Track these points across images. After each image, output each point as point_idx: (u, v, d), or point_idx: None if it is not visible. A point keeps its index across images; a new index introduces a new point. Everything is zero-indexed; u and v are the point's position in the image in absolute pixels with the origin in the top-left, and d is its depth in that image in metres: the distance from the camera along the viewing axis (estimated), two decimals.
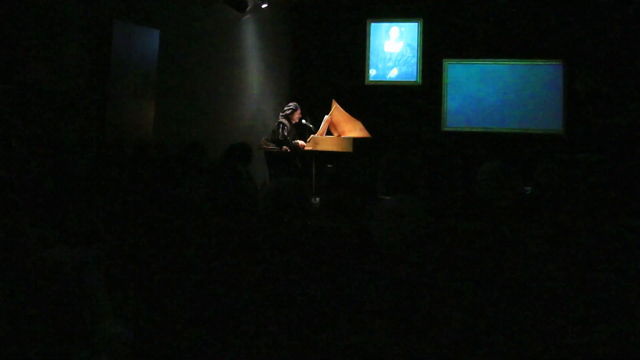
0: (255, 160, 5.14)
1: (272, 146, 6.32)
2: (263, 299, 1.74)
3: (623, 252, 1.94)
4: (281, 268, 1.83)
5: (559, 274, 1.84)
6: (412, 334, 1.63)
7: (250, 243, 2.00)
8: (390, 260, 1.84)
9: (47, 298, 1.24)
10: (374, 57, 8.20)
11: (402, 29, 8.15)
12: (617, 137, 6.92)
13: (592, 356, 1.61)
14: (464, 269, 1.85)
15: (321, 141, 6.40)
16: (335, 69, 8.17)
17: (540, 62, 7.67)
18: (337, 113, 6.64)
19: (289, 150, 6.26)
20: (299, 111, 6.49)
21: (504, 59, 7.77)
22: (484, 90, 7.84)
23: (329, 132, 6.69)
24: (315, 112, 6.94)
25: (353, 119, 6.58)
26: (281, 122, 6.34)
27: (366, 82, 8.18)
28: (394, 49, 8.16)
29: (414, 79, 8.04)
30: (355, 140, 6.30)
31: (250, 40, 7.06)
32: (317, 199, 4.91)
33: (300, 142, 6.36)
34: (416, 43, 8.06)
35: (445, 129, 7.89)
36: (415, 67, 8.05)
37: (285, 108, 6.52)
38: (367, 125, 6.55)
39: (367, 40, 8.20)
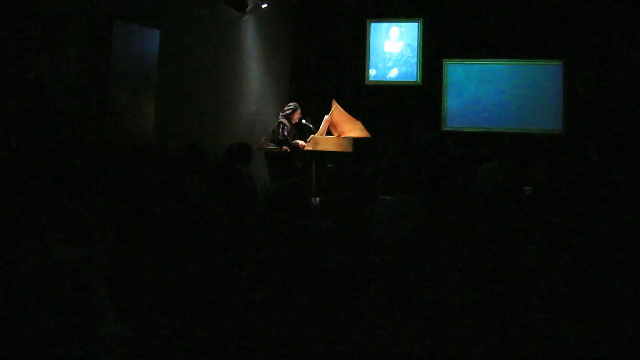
0: (255, 160, 5.14)
1: (272, 146, 6.32)
2: (263, 299, 1.74)
3: (623, 251, 1.93)
4: (281, 268, 1.83)
5: (559, 274, 1.84)
6: (412, 333, 1.63)
7: (250, 243, 2.00)
8: (390, 260, 1.84)
9: (47, 298, 1.24)
10: (374, 57, 8.20)
11: (402, 29, 8.15)
12: (617, 137, 6.92)
13: (592, 356, 1.61)
14: (464, 269, 1.85)
15: (321, 141, 6.40)
16: (335, 69, 8.17)
17: (540, 62, 7.67)
18: (337, 113, 6.64)
19: (289, 150, 6.26)
20: (299, 111, 6.49)
21: (504, 59, 7.77)
22: (484, 90, 7.84)
23: (329, 132, 6.69)
24: (315, 112, 6.94)
25: (353, 119, 6.58)
26: (281, 122, 6.34)
27: (366, 82, 8.18)
28: (394, 49, 8.16)
29: (414, 79, 8.04)
30: (355, 140, 6.30)
31: (250, 40, 7.06)
32: (317, 199, 4.91)
33: (300, 142, 6.36)
34: (416, 43, 8.06)
35: (445, 129, 7.89)
36: (415, 67, 8.05)
37: (285, 108, 6.52)
38: (367, 125, 6.55)
39: (367, 40, 8.20)
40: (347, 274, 1.80)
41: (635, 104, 7.07)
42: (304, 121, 6.53)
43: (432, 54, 7.99)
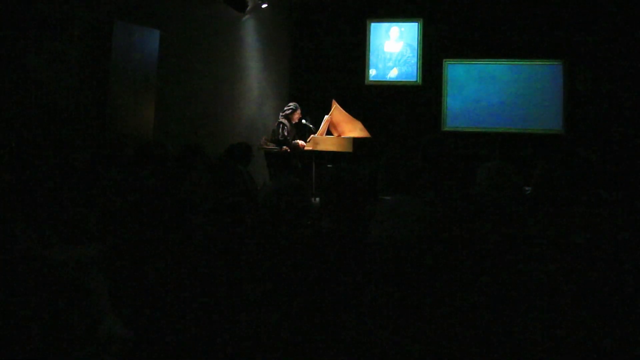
0: (255, 160, 5.14)
1: (272, 146, 6.31)
2: (263, 299, 1.74)
3: (623, 251, 1.93)
4: (281, 268, 1.83)
5: (559, 273, 1.84)
6: (412, 333, 1.63)
7: (250, 242, 2.00)
8: (390, 259, 1.84)
9: (47, 298, 1.24)
10: (374, 57, 8.20)
11: (402, 29, 8.15)
12: (617, 137, 6.92)
13: (592, 356, 1.61)
14: (464, 269, 1.85)
15: (321, 141, 6.40)
16: (335, 69, 8.17)
17: (540, 62, 7.67)
18: (337, 113, 6.64)
19: (289, 150, 6.26)
20: (299, 111, 6.49)
21: (504, 59, 7.77)
22: (484, 90, 7.84)
23: (329, 132, 6.69)
24: (315, 112, 6.94)
25: (353, 119, 6.58)
26: (281, 122, 6.34)
27: (366, 82, 8.18)
28: (394, 49, 8.16)
29: (414, 79, 8.04)
30: (355, 140, 6.30)
31: (251, 40, 7.06)
32: (317, 199, 4.91)
33: (300, 142, 6.36)
34: (416, 43, 8.06)
35: (445, 129, 7.89)
36: (415, 67, 8.05)
37: (285, 108, 6.52)
38: (367, 125, 6.54)
39: (367, 40, 8.20)
40: (347, 274, 1.80)
41: (635, 104, 7.07)
42: (304, 121, 6.53)
43: (432, 54, 7.99)
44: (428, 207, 2.17)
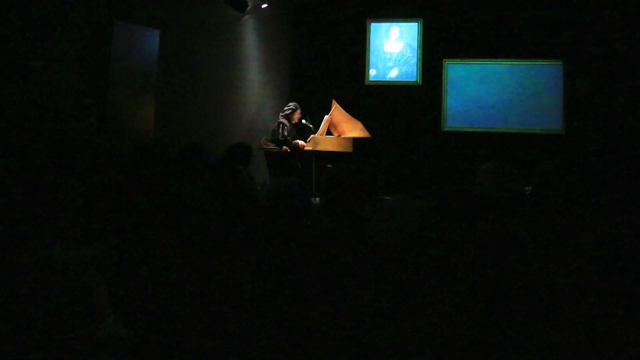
0: (255, 160, 5.14)
1: (272, 146, 6.32)
2: (263, 298, 1.74)
3: (623, 251, 1.94)
4: (281, 267, 1.83)
5: (559, 274, 1.84)
6: (411, 333, 1.63)
7: (250, 243, 2.00)
8: (389, 259, 1.84)
9: (48, 298, 1.24)
10: (374, 57, 8.20)
11: (402, 29, 8.15)
12: (617, 137, 6.92)
13: (592, 356, 1.61)
14: (464, 268, 1.85)
15: (321, 141, 6.41)
16: (335, 69, 8.17)
17: (540, 62, 7.67)
18: (337, 113, 6.64)
19: (289, 150, 6.26)
20: (299, 111, 6.50)
21: (504, 59, 7.77)
22: (484, 90, 7.84)
23: (329, 132, 6.69)
24: (315, 112, 6.94)
25: (353, 119, 6.58)
26: (281, 122, 6.34)
27: (366, 82, 8.18)
28: (394, 49, 8.16)
29: (414, 79, 8.04)
30: (355, 140, 6.30)
31: (251, 40, 7.06)
32: (317, 199, 4.91)
33: (300, 142, 6.37)
34: (416, 43, 8.06)
35: (445, 129, 7.89)
36: (415, 67, 8.05)
37: (285, 108, 6.52)
38: (367, 125, 6.55)
39: (367, 40, 8.20)
40: (347, 274, 1.80)
41: (635, 104, 7.07)
42: (304, 121, 6.53)
43: (432, 54, 7.99)
44: (428, 207, 2.18)
